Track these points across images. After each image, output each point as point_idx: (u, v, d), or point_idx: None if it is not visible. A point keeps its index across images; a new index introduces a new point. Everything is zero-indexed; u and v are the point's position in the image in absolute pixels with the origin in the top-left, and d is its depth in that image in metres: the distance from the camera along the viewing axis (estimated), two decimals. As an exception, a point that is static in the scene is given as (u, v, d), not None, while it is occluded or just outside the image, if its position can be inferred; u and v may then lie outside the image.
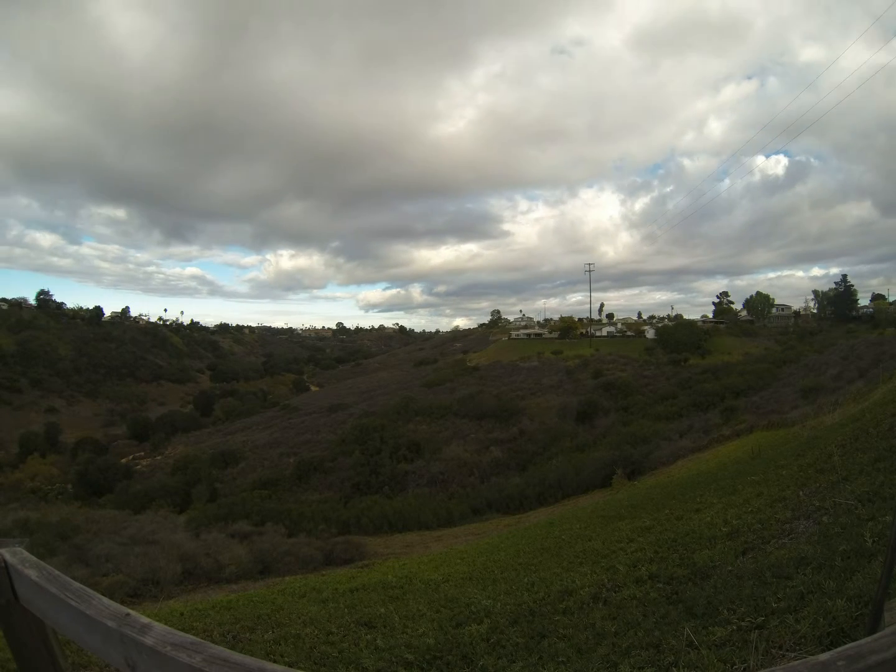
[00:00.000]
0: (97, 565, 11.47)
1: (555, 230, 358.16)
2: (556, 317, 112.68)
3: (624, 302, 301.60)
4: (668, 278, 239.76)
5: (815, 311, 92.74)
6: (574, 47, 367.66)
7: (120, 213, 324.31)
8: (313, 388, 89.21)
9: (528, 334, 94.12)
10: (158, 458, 44.43)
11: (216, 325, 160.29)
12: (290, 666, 2.47)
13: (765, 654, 2.84)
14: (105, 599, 1.46)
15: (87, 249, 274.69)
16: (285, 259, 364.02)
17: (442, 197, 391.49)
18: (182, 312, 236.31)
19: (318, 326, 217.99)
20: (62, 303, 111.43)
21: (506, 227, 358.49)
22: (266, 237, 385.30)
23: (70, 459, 44.29)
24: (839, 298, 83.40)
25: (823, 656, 0.96)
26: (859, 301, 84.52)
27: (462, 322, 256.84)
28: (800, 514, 5.48)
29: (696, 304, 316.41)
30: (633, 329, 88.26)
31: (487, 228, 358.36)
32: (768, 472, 8.70)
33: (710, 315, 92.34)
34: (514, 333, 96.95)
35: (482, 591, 5.93)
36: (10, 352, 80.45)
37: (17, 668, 1.74)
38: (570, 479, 21.87)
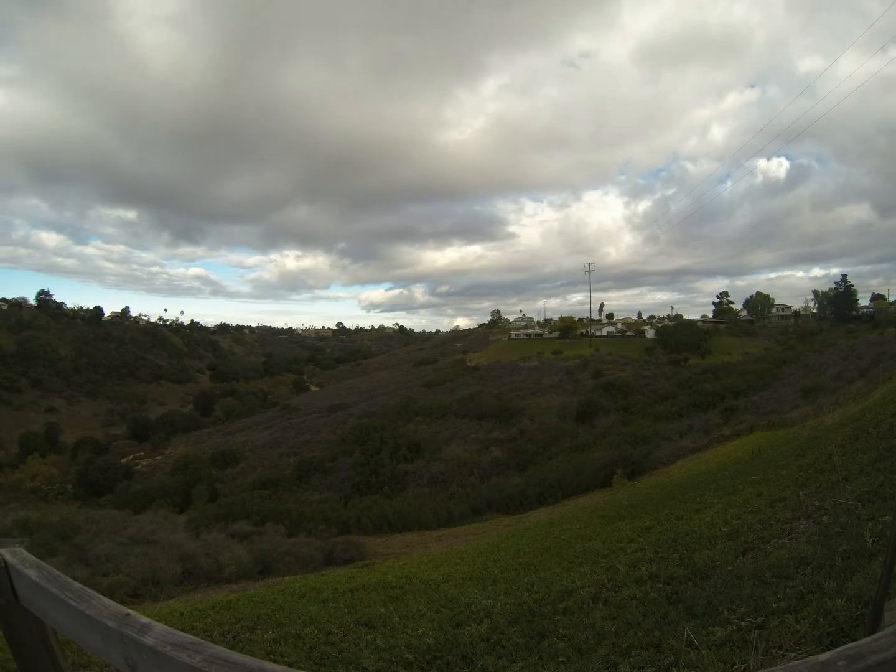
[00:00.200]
0: (97, 565, 11.47)
1: (558, 232, 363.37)
2: (556, 317, 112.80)
3: (625, 302, 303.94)
4: (669, 279, 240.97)
5: (815, 311, 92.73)
6: (580, 59, 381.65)
7: (130, 214, 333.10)
8: (313, 388, 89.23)
9: (528, 334, 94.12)
10: (158, 458, 44.44)
11: (216, 325, 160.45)
12: (290, 666, 2.47)
13: (765, 654, 2.84)
14: (105, 599, 1.46)
15: (91, 250, 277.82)
16: (290, 260, 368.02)
17: (448, 200, 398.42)
18: (182, 312, 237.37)
19: (318, 326, 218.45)
20: (62, 303, 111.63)
21: (510, 229, 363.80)
22: (274, 238, 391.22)
23: (70, 459, 44.29)
24: (839, 298, 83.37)
25: (823, 656, 0.96)
26: (859, 301, 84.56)
27: (463, 322, 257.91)
28: (800, 514, 5.48)
29: (696, 304, 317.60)
30: (633, 329, 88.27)
31: (492, 230, 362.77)
32: (768, 472, 8.70)
33: (710, 315, 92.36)
34: (514, 333, 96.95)
35: (482, 591, 5.93)
36: (10, 352, 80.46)
37: (17, 668, 1.74)
38: (570, 479, 21.87)
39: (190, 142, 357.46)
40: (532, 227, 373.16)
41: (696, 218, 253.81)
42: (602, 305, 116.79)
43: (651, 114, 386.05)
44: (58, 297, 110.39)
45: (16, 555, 1.68)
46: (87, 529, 15.95)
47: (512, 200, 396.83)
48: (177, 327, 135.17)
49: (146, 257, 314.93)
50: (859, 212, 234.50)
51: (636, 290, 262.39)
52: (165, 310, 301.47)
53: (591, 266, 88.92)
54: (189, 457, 35.89)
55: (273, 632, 5.03)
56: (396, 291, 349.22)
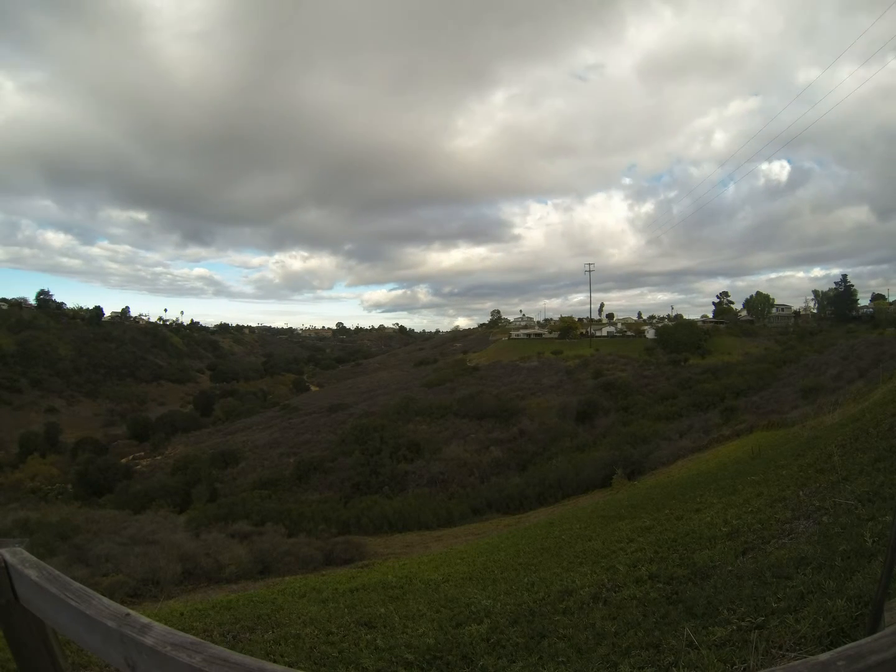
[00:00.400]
0: (97, 565, 11.47)
1: (562, 234, 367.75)
2: (556, 317, 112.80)
3: (625, 302, 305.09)
4: (670, 279, 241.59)
5: (815, 311, 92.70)
6: (587, 72, 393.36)
7: (141, 215, 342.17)
8: (313, 388, 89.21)
9: (528, 334, 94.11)
10: (158, 458, 44.43)
11: (216, 326, 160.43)
12: (290, 666, 2.47)
13: (765, 654, 2.84)
14: (105, 599, 1.46)
15: (97, 250, 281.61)
16: (295, 260, 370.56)
17: (455, 203, 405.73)
18: (182, 312, 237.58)
19: (318, 326, 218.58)
20: (62, 303, 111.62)
21: (514, 231, 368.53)
22: (282, 240, 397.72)
23: (70, 459, 44.28)
24: (839, 298, 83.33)
25: (823, 656, 0.95)
26: (859, 301, 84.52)
27: (463, 322, 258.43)
28: (800, 514, 5.48)
29: (696, 305, 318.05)
30: (633, 329, 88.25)
31: (496, 232, 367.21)
32: (768, 472, 8.70)
33: (710, 315, 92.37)
34: (514, 333, 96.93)
35: (482, 591, 5.93)
36: (10, 352, 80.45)
37: (17, 668, 1.74)
38: (570, 479, 21.87)
39: (206, 148, 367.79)
40: (536, 229, 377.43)
41: (699, 220, 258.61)
42: (602, 305, 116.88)
43: (654, 122, 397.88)
44: (61, 298, 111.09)
45: (16, 555, 1.68)
46: (87, 529, 15.96)
47: (517, 204, 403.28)
48: (177, 327, 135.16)
49: (151, 257, 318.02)
50: (859, 214, 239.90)
51: (637, 291, 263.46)
52: (165, 310, 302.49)
53: (591, 266, 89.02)
54: (189, 457, 35.87)
55: (273, 632, 5.02)
56: (399, 292, 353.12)
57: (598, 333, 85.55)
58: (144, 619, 1.35)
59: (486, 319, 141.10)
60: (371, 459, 28.18)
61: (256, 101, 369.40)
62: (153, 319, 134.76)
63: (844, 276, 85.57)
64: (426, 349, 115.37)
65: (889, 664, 0.92)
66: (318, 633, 4.87)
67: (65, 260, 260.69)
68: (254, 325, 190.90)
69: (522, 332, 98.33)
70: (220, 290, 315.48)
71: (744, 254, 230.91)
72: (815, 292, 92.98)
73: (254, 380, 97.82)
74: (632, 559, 5.81)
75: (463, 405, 40.36)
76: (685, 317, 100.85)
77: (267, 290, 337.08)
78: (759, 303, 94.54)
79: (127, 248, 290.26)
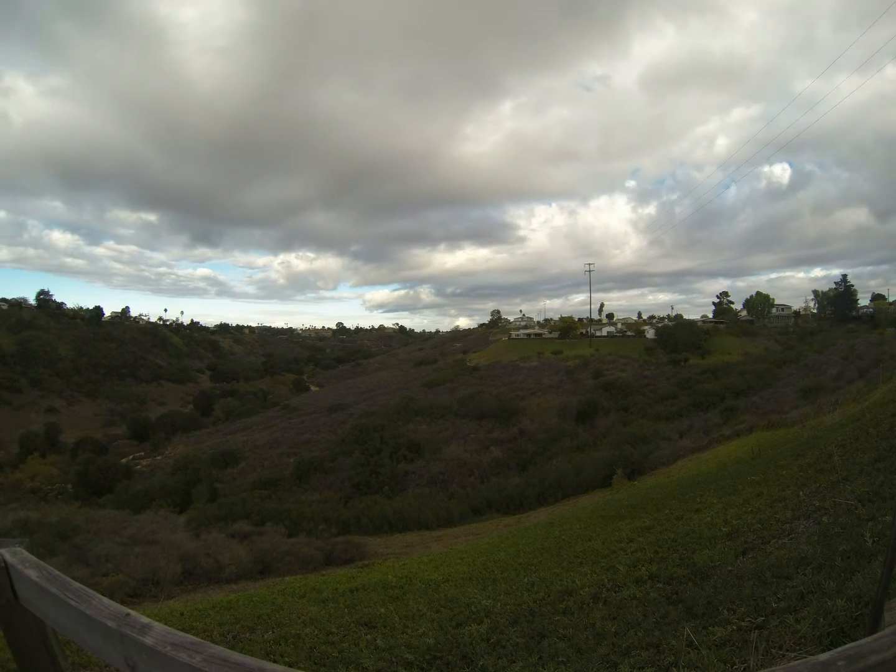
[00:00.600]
0: (97, 565, 11.48)
1: (565, 235, 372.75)
2: (556, 317, 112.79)
3: (626, 302, 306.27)
4: (670, 280, 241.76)
5: (815, 311, 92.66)
6: (592, 82, 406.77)
7: (151, 217, 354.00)
8: (313, 388, 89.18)
9: (528, 334, 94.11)
10: (158, 458, 44.42)
11: (216, 326, 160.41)
12: (290, 666, 2.47)
13: (765, 654, 2.84)
14: (105, 599, 1.46)
15: (102, 250, 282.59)
16: (299, 261, 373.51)
17: (461, 206, 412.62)
18: (182, 312, 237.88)
19: (318, 326, 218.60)
20: (62, 303, 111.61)
21: (518, 233, 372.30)
22: (289, 241, 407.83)
23: (70, 459, 44.26)
24: (839, 298, 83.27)
25: (823, 656, 0.95)
26: (859, 301, 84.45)
27: (463, 322, 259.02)
28: (800, 514, 5.48)
29: (696, 305, 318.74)
30: (633, 329, 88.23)
31: (501, 234, 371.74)
32: (768, 472, 8.70)
33: (711, 315, 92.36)
34: (514, 333, 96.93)
35: (482, 591, 5.93)
36: (10, 352, 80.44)
37: (17, 668, 1.74)
38: (570, 479, 21.87)
39: (220, 153, 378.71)
40: (540, 230, 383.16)
41: (700, 222, 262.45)
42: (602, 305, 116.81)
43: (658, 130, 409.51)
44: (63, 298, 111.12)
45: (16, 555, 1.68)
46: (87, 529, 15.96)
47: (522, 206, 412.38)
48: (177, 327, 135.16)
49: (155, 258, 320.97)
50: (858, 216, 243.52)
51: (637, 291, 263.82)
52: (165, 310, 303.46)
53: (591, 266, 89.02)
54: (189, 457, 35.86)
55: (273, 632, 5.02)
56: (402, 292, 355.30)
57: (598, 333, 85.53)
58: (144, 619, 1.35)
59: (486, 319, 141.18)
60: (371, 459, 28.18)
61: (272, 110, 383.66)
62: (153, 319, 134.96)
63: (844, 276, 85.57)
64: (426, 349, 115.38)
65: (889, 664, 0.92)
66: (318, 633, 4.87)
67: (69, 260, 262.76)
68: (254, 325, 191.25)
69: (522, 332, 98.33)
70: (223, 291, 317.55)
71: (744, 255, 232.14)
72: (815, 292, 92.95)
73: (254, 380, 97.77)
74: (632, 559, 5.81)
75: (463, 405, 40.35)
76: (685, 317, 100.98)
77: (270, 291, 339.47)
78: (759, 303, 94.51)
79: (132, 248, 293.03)
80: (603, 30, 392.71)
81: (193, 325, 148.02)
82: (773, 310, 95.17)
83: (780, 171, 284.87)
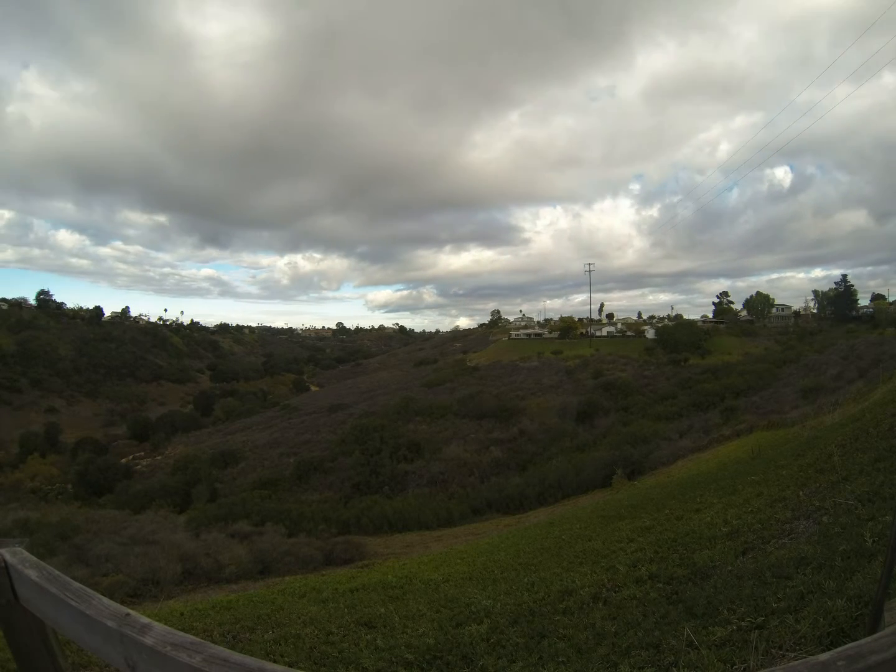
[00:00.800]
0: (97, 565, 11.48)
1: (569, 237, 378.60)
2: (556, 317, 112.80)
3: (626, 303, 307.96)
4: (672, 280, 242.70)
5: (815, 311, 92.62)
6: (597, 93, 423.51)
7: (162, 218, 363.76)
8: (313, 388, 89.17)
9: (528, 334, 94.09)
10: (158, 458, 44.42)
11: (216, 326, 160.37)
12: (290, 666, 2.47)
13: (765, 654, 2.84)
14: (105, 599, 1.46)
15: (108, 251, 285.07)
16: (304, 261, 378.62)
17: (468, 209, 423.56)
18: (182, 312, 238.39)
19: (318, 326, 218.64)
20: (62, 303, 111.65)
21: (523, 235, 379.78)
22: (297, 243, 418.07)
23: (70, 459, 44.26)
24: (839, 298, 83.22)
25: (823, 656, 0.96)
26: (859, 301, 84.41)
27: (464, 322, 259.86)
28: (800, 514, 5.48)
29: (696, 305, 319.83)
30: (633, 329, 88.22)
31: (506, 236, 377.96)
32: (768, 472, 8.70)
33: (711, 315, 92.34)
34: (514, 333, 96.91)
35: (482, 591, 5.93)
36: (10, 352, 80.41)
37: (17, 668, 1.74)
38: (570, 479, 21.86)
39: (235, 159, 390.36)
40: (544, 232, 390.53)
41: (702, 224, 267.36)
42: (602, 305, 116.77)
43: (660, 138, 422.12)
44: (67, 297, 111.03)
45: (16, 555, 1.68)
46: (87, 529, 15.95)
47: (527, 209, 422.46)
48: (177, 327, 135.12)
49: (160, 258, 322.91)
50: (858, 218, 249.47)
51: (638, 291, 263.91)
52: (165, 310, 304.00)
53: (591, 266, 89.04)
54: (189, 457, 35.86)
55: (273, 632, 5.02)
56: (405, 292, 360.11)
57: (598, 333, 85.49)
58: (144, 619, 1.35)
59: (487, 319, 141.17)
60: (371, 459, 28.17)
61: (287, 118, 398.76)
62: (153, 319, 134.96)
63: (844, 276, 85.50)
64: (426, 349, 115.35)
65: (889, 664, 0.92)
66: (318, 633, 4.87)
67: (73, 260, 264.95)
68: (254, 325, 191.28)
69: (522, 332, 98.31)
70: (226, 291, 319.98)
71: (745, 255, 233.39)
72: (815, 292, 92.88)
73: (254, 380, 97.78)
74: (632, 559, 5.81)
75: (463, 405, 40.35)
76: (685, 317, 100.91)
77: (273, 291, 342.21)
78: (759, 303, 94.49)
79: (138, 248, 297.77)
80: (607, 44, 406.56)
81: (193, 325, 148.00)
82: (773, 310, 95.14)
83: (782, 175, 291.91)
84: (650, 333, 75.06)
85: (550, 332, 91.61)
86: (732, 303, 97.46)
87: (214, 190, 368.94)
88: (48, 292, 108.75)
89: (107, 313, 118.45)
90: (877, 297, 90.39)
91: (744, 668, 2.78)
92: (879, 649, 0.94)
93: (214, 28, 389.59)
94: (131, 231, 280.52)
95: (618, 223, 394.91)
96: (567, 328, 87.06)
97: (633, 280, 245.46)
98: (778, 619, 3.14)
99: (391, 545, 16.09)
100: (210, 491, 27.52)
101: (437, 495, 24.42)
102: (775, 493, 6.82)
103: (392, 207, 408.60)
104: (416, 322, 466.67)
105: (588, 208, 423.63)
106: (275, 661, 2.79)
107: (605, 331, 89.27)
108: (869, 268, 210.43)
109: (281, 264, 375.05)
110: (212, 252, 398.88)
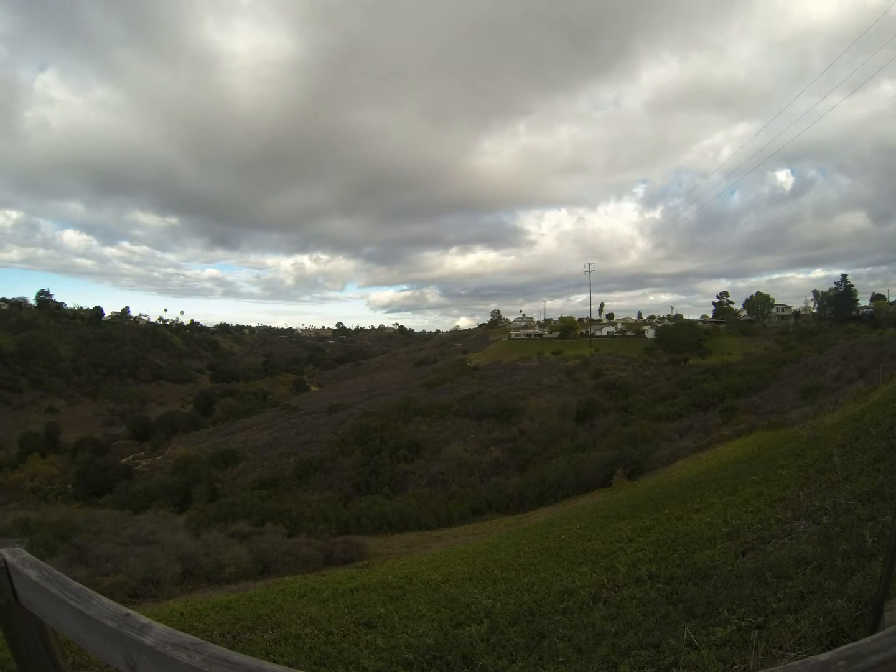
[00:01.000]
0: (97, 565, 11.47)
1: (572, 239, 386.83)
2: (557, 317, 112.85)
3: (627, 303, 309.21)
4: (673, 281, 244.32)
5: (815, 311, 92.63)
6: (603, 104, 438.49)
7: (173, 220, 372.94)
8: (313, 388, 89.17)
9: (528, 334, 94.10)
10: (158, 458, 44.40)
11: (216, 325, 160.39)
12: (290, 666, 2.47)
13: (765, 654, 2.84)
14: (105, 599, 1.46)
15: (113, 251, 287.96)
16: (312, 262, 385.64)
17: (474, 212, 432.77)
18: (182, 312, 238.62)
19: (318, 326, 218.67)
20: (62, 303, 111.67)
21: (528, 237, 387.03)
22: (305, 244, 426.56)
23: (70, 459, 44.25)
24: (839, 298, 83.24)
25: (823, 656, 0.96)
26: (859, 301, 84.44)
27: (464, 322, 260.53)
28: (800, 514, 5.48)
29: (696, 305, 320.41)
30: (633, 329, 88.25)
31: (511, 238, 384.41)
32: (768, 472, 8.69)
33: (710, 315, 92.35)
34: (514, 333, 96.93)
35: (482, 591, 5.93)
36: (10, 352, 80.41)
37: (17, 668, 1.74)
38: (570, 479, 21.85)
39: (250, 164, 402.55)
40: (548, 234, 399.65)
41: (703, 226, 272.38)
42: (602, 305, 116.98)
43: (663, 145, 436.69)
44: (68, 298, 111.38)
45: (16, 555, 1.68)
46: (87, 529, 15.94)
47: (532, 212, 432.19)
48: (177, 327, 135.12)
49: (166, 258, 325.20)
50: (857, 219, 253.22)
51: (639, 292, 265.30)
52: (165, 310, 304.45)
53: (591, 266, 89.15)
54: (189, 457, 35.87)
55: (273, 632, 5.03)
56: (408, 292, 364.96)
57: (598, 333, 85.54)
58: (144, 619, 1.35)
59: (487, 319, 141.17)
60: (371, 459, 28.17)
61: (303, 126, 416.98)
62: (153, 319, 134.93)
63: (844, 276, 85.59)
64: (426, 349, 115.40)
65: (889, 664, 0.92)
66: (318, 633, 4.87)
67: (78, 260, 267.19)
68: (254, 325, 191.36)
69: (522, 332, 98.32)
70: (229, 291, 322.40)
71: (746, 256, 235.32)
72: (816, 292, 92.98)
73: (254, 380, 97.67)
74: (632, 559, 5.81)
75: (463, 405, 40.34)
76: (685, 317, 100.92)
77: (276, 291, 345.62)
78: (759, 303, 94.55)
79: (144, 248, 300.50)
80: (612, 59, 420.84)
81: (193, 325, 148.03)
82: (773, 310, 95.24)
83: (784, 178, 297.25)
84: (650, 333, 75.12)
85: (550, 333, 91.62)
86: (732, 303, 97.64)
87: (228, 193, 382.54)
88: (48, 292, 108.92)
89: (107, 313, 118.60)
90: (877, 298, 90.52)
91: (744, 669, 2.78)
92: (879, 649, 0.94)
93: (240, 44, 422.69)
94: (139, 232, 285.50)
95: (621, 225, 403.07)
96: (567, 328, 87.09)
97: (634, 280, 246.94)
98: (778, 619, 3.14)
99: (391, 545, 16.09)
100: (210, 491, 27.52)
101: (437, 495, 24.41)
102: (775, 493, 6.81)
103: (401, 210, 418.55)
104: (417, 322, 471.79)
105: (592, 211, 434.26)
106: (275, 661, 2.79)
107: (605, 331, 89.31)
108: (869, 268, 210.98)
109: (286, 265, 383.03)
110: (219, 253, 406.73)
